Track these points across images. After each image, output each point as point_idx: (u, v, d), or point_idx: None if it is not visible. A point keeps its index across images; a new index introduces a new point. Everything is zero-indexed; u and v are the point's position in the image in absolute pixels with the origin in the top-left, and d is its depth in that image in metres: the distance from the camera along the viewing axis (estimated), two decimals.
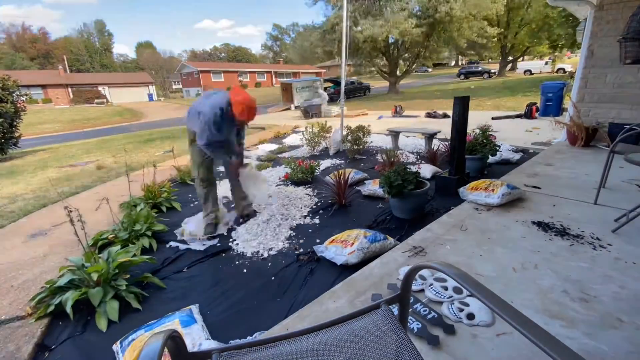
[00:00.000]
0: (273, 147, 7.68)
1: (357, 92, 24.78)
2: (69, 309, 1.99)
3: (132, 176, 4.32)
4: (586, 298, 1.73)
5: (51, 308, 2.07)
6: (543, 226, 2.53)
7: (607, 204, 2.82)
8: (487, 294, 0.70)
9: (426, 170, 4.33)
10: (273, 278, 2.37)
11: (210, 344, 1.70)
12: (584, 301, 1.71)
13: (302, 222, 3.29)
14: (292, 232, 3.09)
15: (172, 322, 1.86)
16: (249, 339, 1.78)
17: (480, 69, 31.58)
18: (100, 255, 2.47)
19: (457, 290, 1.83)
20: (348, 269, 2.31)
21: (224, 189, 4.52)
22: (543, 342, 0.56)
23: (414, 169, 3.29)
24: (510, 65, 33.55)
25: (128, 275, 2.33)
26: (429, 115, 10.89)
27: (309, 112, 13.47)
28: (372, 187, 3.84)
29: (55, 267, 2.61)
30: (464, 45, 20.80)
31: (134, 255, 2.49)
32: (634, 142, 3.66)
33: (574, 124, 4.95)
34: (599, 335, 1.48)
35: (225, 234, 3.17)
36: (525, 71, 30.24)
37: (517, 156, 4.94)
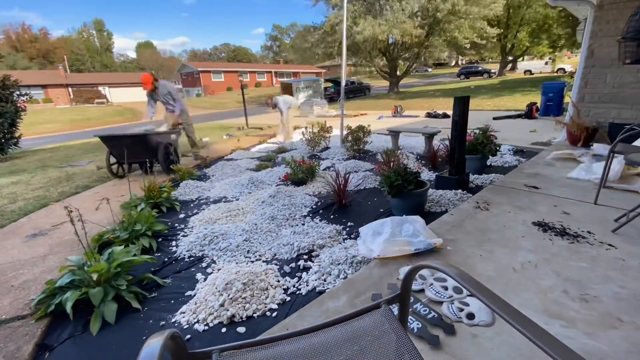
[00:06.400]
0: (273, 147, 7.69)
1: (357, 92, 24.81)
2: (69, 309, 1.99)
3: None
4: (586, 298, 1.73)
5: (51, 308, 2.07)
6: (543, 226, 2.53)
7: (607, 204, 2.82)
8: (487, 294, 0.70)
9: None
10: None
11: None
12: (584, 301, 1.71)
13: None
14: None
15: None
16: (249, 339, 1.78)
17: (480, 69, 31.63)
18: (100, 255, 2.48)
19: (457, 290, 1.83)
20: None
21: (222, 187, 4.50)
22: (543, 342, 0.56)
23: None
24: (510, 65, 33.54)
25: (130, 277, 2.33)
26: (429, 115, 10.90)
27: None
28: None
29: (55, 267, 2.61)
30: (464, 45, 20.79)
31: (135, 255, 2.49)
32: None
33: (574, 124, 4.95)
34: (599, 335, 1.48)
35: None
36: (525, 71, 30.27)
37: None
